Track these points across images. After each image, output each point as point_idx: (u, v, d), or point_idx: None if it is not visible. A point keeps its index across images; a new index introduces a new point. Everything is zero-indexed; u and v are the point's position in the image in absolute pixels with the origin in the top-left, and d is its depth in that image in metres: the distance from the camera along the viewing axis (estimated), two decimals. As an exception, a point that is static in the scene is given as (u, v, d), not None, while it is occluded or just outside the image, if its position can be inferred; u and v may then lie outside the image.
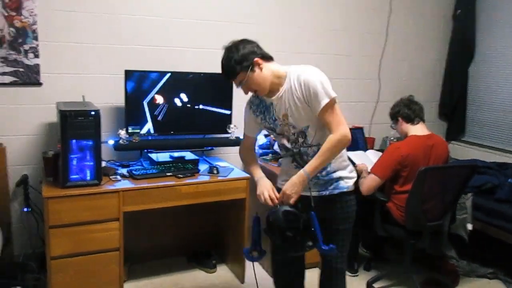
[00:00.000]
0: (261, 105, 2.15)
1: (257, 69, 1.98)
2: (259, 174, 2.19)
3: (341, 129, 1.97)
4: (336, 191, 2.12)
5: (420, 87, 4.34)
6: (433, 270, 3.29)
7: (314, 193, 2.08)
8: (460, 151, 4.34)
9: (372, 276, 3.16)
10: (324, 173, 2.10)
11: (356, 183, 2.26)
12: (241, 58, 1.97)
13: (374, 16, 3.98)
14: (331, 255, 2.14)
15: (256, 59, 1.97)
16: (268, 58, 2.04)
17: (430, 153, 2.89)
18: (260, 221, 2.09)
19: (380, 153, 3.16)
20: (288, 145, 2.14)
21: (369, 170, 2.97)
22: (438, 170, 2.88)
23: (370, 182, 2.88)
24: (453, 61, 4.32)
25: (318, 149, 2.01)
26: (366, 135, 3.96)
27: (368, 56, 4.04)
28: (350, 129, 2.02)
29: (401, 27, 4.12)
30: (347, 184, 2.15)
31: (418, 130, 2.97)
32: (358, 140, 3.74)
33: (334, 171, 2.12)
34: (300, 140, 2.08)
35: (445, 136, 4.45)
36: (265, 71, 2.00)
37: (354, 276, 3.28)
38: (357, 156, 3.31)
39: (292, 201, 1.99)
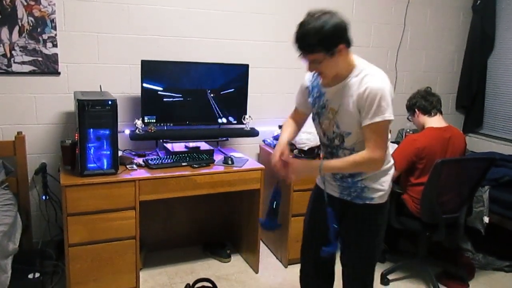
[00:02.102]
0: (316, 88, 1.99)
1: (336, 56, 1.75)
2: (281, 139, 2.06)
3: (376, 153, 1.80)
4: (359, 201, 1.96)
5: (437, 79, 4.29)
6: (448, 262, 3.27)
7: (334, 194, 2.03)
8: (477, 144, 4.29)
9: (386, 268, 3.16)
10: (349, 179, 1.97)
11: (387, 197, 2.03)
12: (327, 37, 1.68)
13: (392, 6, 3.92)
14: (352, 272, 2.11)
15: (341, 45, 1.73)
16: (349, 44, 1.80)
17: (447, 145, 2.87)
18: (281, 192, 2.08)
19: (395, 145, 3.14)
20: (324, 140, 2.03)
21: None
22: (455, 162, 2.85)
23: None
24: (472, 53, 4.26)
25: (350, 153, 1.90)
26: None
27: (385, 47, 3.99)
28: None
29: (419, 18, 4.07)
30: (373, 195, 1.95)
31: (435, 122, 2.94)
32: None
33: (362, 179, 1.94)
34: (337, 142, 1.95)
35: (462, 128, 4.40)
36: (342, 60, 1.79)
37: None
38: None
39: (288, 181, 1.96)
